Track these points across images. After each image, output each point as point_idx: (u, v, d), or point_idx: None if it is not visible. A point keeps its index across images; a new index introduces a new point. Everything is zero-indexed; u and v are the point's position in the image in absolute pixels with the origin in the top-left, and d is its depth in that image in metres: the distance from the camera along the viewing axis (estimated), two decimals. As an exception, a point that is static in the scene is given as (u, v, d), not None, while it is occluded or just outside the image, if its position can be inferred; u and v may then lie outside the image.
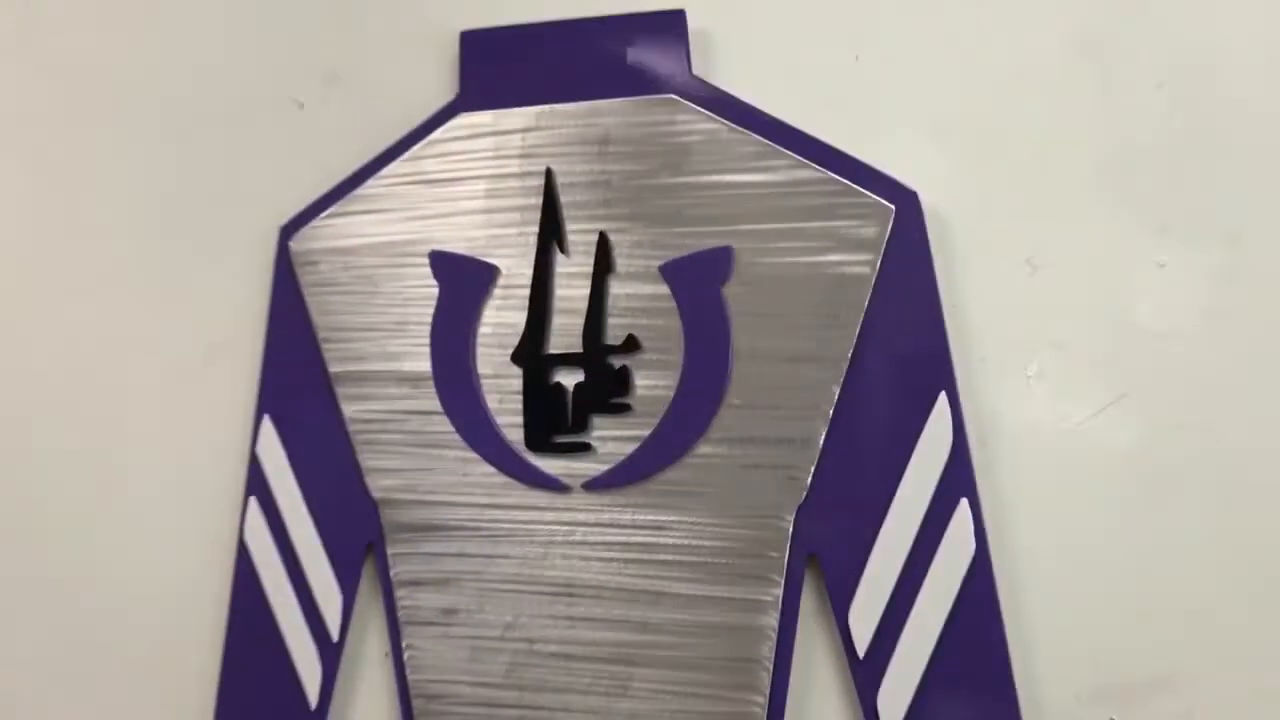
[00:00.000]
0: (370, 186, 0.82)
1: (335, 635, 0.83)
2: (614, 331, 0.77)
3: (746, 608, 0.75)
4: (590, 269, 0.77)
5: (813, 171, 0.73)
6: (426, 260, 0.80)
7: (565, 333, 0.78)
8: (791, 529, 0.74)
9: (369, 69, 0.84)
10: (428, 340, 0.80)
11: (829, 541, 0.74)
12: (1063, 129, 0.71)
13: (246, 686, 0.85)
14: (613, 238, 0.77)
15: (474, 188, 0.80)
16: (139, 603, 0.89)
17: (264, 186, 0.85)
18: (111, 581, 0.89)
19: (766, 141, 0.74)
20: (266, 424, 0.84)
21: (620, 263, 0.77)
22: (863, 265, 0.73)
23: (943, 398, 0.71)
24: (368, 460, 0.82)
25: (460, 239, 0.80)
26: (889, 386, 0.73)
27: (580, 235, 0.78)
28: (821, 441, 0.73)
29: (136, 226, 0.88)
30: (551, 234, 0.78)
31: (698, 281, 0.75)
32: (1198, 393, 0.70)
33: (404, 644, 0.81)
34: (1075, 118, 0.71)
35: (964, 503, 0.71)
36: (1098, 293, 0.71)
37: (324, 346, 0.82)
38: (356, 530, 0.83)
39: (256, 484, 0.84)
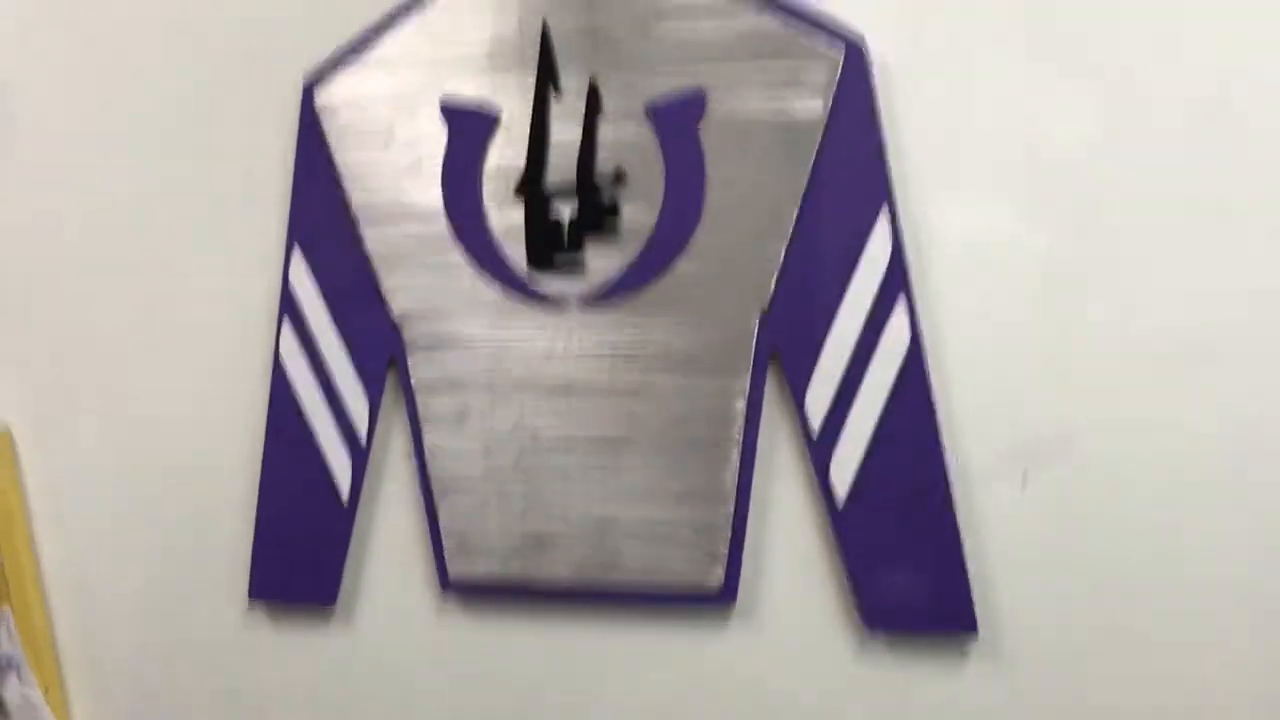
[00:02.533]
0: (384, 43, 0.92)
1: (363, 438, 0.96)
2: (603, 166, 0.89)
3: (718, 396, 0.89)
4: (582, 111, 0.89)
5: (772, 20, 0.85)
6: (436, 107, 0.92)
7: (561, 168, 0.90)
8: (756, 330, 0.87)
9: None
10: (439, 178, 0.92)
11: (788, 339, 0.87)
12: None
13: (284, 487, 0.98)
14: (601, 82, 0.88)
15: (478, 38, 0.90)
16: (187, 410, 1.02)
17: (292, 49, 0.95)
18: (164, 391, 1.02)
19: (735, -4, 0.86)
20: (297, 253, 0.96)
21: (608, 104, 0.88)
22: (816, 103, 0.84)
23: (884, 214, 0.84)
24: (388, 283, 0.94)
25: (466, 87, 0.91)
26: (838, 207, 0.85)
27: (573, 82, 0.89)
28: (781, 256, 0.86)
29: (176, 82, 0.98)
30: (547, 80, 0.89)
31: (677, 122, 0.87)
32: (1096, 207, 0.83)
33: (425, 441, 0.95)
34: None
35: (901, 301, 0.85)
36: (1015, 122, 0.83)
37: (346, 185, 0.94)
38: (380, 345, 0.95)
39: (289, 306, 0.96)
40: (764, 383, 0.88)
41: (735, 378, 0.88)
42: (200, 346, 1.01)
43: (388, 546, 0.99)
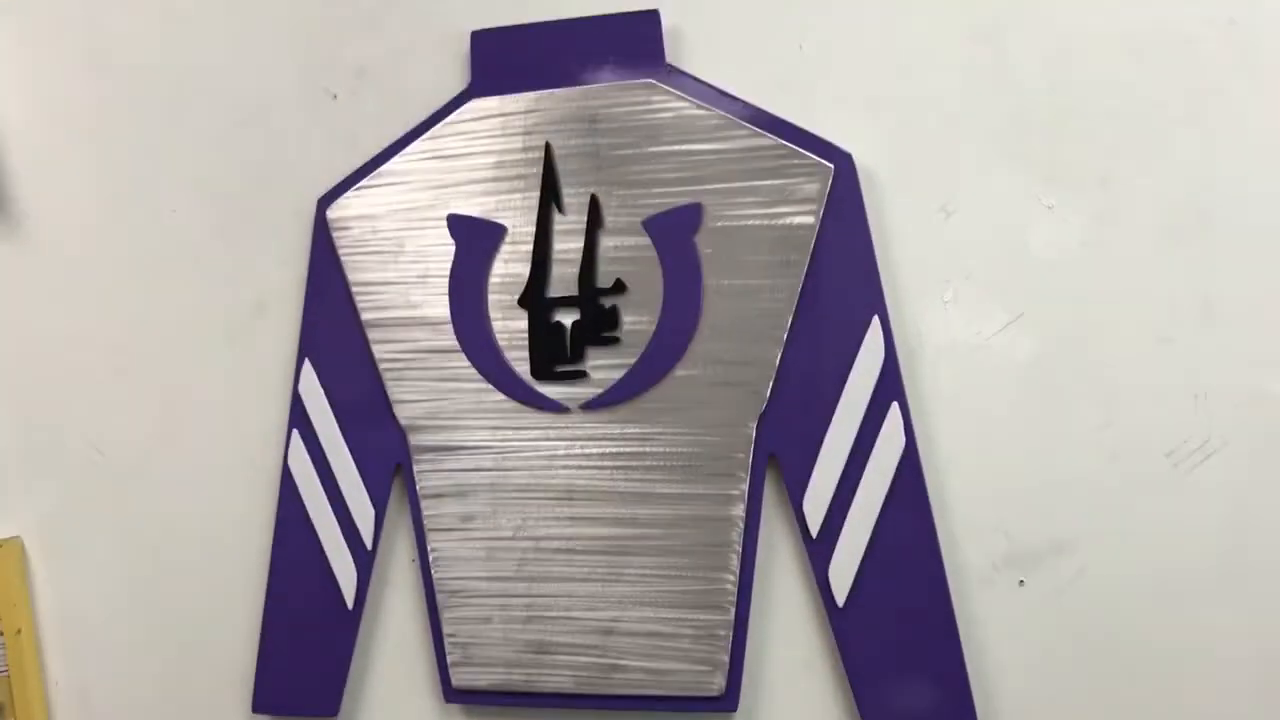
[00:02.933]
0: (395, 162, 0.97)
1: (369, 544, 0.97)
2: (604, 277, 0.92)
3: (718, 501, 0.90)
4: (584, 225, 0.92)
5: (765, 139, 0.89)
6: (444, 223, 0.95)
7: (563, 279, 0.93)
8: (754, 434, 0.89)
9: (393, 64, 0.99)
10: (446, 290, 0.95)
11: (785, 443, 0.89)
12: (968, 101, 0.87)
13: (291, 591, 0.99)
14: (602, 198, 0.92)
15: (484, 161, 0.95)
16: (196, 523, 1.04)
17: (304, 166, 1.00)
18: (173, 504, 1.04)
19: (727, 116, 0.90)
20: (307, 366, 0.98)
21: (608, 219, 0.92)
22: (808, 215, 0.88)
23: (876, 321, 0.87)
24: (396, 393, 0.96)
25: (473, 204, 0.95)
26: (832, 314, 0.88)
27: (575, 197, 0.93)
28: (777, 361, 0.88)
29: (195, 203, 1.03)
30: (550, 197, 0.93)
31: (673, 233, 0.91)
32: (1080, 311, 0.85)
33: (429, 548, 0.96)
34: (978, 92, 0.88)
35: (895, 406, 0.87)
36: (998, 231, 0.87)
37: (357, 299, 0.97)
38: (386, 453, 0.97)
39: (298, 418, 0.99)
40: (762, 486, 0.89)
41: (734, 482, 0.89)
42: (211, 459, 1.03)
43: (391, 655, 0.99)
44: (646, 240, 0.92)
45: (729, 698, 0.90)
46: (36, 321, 1.08)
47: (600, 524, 0.93)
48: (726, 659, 0.89)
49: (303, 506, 0.99)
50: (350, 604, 0.98)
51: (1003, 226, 0.87)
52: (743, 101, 0.90)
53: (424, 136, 0.96)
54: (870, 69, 0.89)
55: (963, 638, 0.86)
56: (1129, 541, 0.85)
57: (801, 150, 0.88)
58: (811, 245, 0.88)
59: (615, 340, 0.92)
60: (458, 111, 0.96)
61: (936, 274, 0.88)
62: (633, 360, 0.92)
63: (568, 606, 0.93)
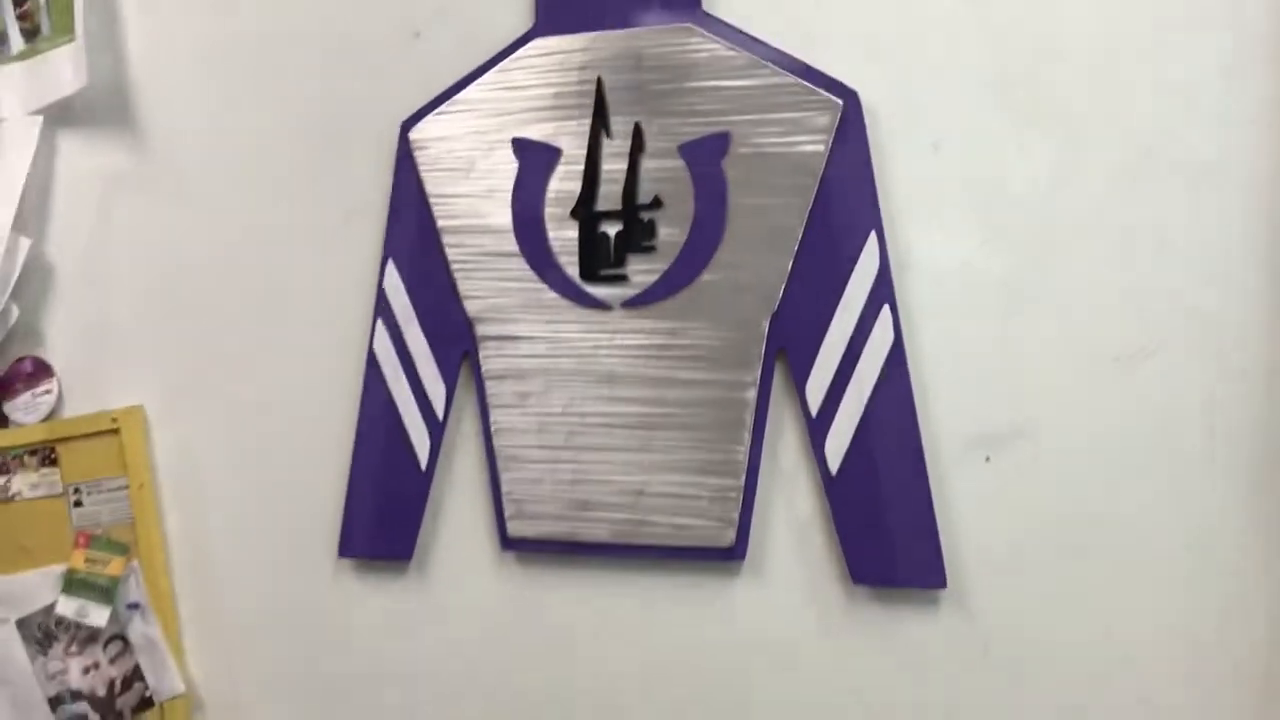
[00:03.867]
0: (469, 91, 1.13)
1: (440, 416, 1.15)
2: (644, 194, 1.08)
3: (734, 387, 1.06)
4: (628, 150, 1.08)
5: (784, 78, 1.04)
6: (509, 145, 1.12)
7: (609, 196, 1.09)
8: (766, 331, 1.05)
9: (468, 5, 1.15)
10: (509, 202, 1.12)
11: (793, 338, 1.05)
12: (959, 48, 1.02)
13: (374, 455, 1.18)
14: (644, 126, 1.08)
15: (545, 92, 1.11)
16: (294, 395, 1.22)
17: (391, 95, 1.17)
18: (274, 380, 1.23)
19: (753, 57, 1.05)
20: (390, 266, 1.16)
21: (649, 145, 1.08)
22: (819, 144, 1.03)
23: (873, 236, 1.03)
24: (465, 289, 1.13)
25: (534, 129, 1.11)
26: (835, 229, 1.04)
27: (621, 125, 1.09)
28: (789, 269, 1.04)
29: (296, 125, 1.21)
30: (601, 124, 1.09)
31: (704, 157, 1.06)
32: (1045, 235, 1.00)
33: (491, 420, 1.13)
34: (968, 40, 1.02)
35: (886, 307, 1.02)
36: (978, 165, 1.02)
37: (434, 208, 1.14)
38: (456, 341, 1.15)
39: (383, 309, 1.16)
40: (772, 375, 1.06)
41: (748, 370, 1.06)
42: (306, 341, 1.22)
43: (457, 510, 1.18)
44: (681, 163, 1.07)
45: (738, 549, 1.07)
46: (159, 222, 1.26)
47: (635, 403, 1.09)
48: (737, 517, 1.07)
49: (385, 384, 1.17)
50: (424, 466, 1.16)
51: (982, 161, 1.02)
52: (766, 44, 1.05)
53: (494, 69, 1.13)
54: (876, 17, 1.04)
55: (936, 505, 1.02)
56: (1079, 428, 1.01)
57: (815, 87, 1.04)
58: (821, 171, 1.04)
59: (652, 249, 1.08)
60: (524, 48, 1.12)
61: (925, 199, 1.03)
62: (666, 266, 1.08)
63: (607, 472, 1.10)
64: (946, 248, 1.03)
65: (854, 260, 1.03)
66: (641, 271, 1.09)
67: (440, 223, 1.14)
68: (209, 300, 1.25)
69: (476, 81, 1.13)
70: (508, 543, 1.14)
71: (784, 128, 1.04)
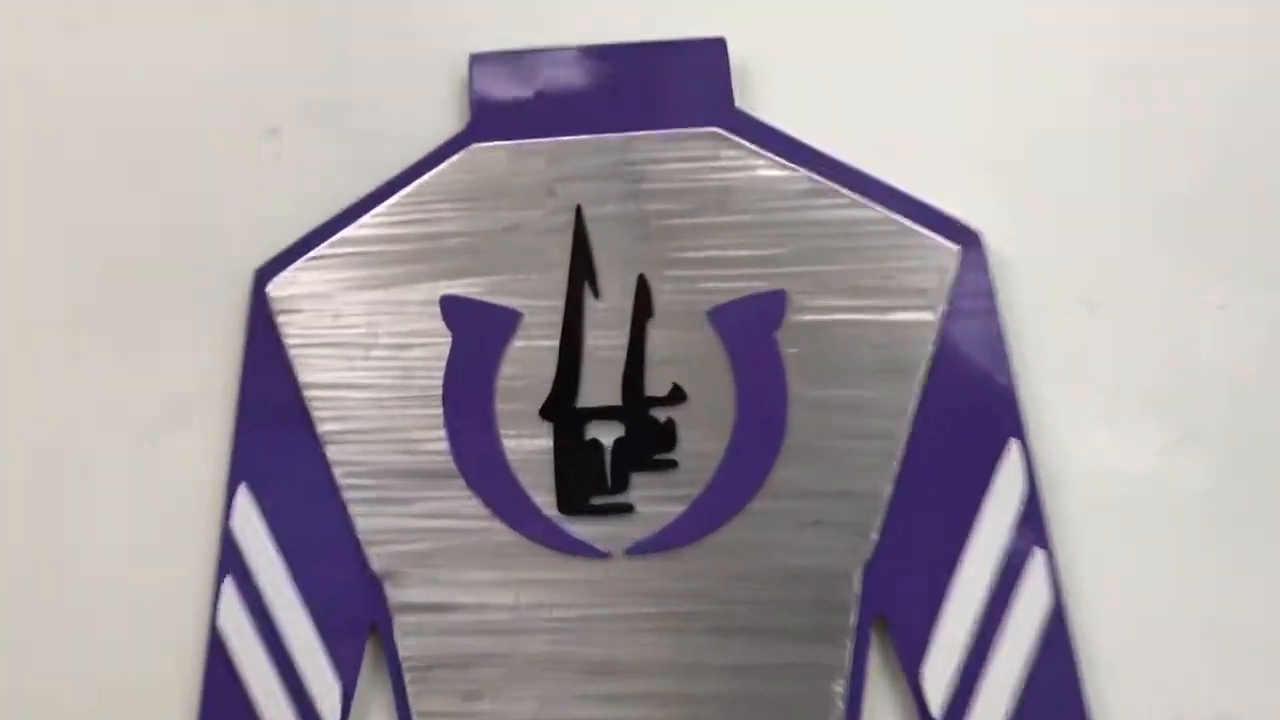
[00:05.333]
0: (365, 225, 0.73)
1: (333, 730, 0.74)
2: (655, 382, 0.71)
3: (810, 675, 0.70)
4: (628, 314, 0.71)
5: (868, 211, 0.70)
6: (435, 307, 0.73)
7: (600, 384, 0.71)
8: (858, 589, 0.70)
9: (356, 95, 0.75)
10: (439, 396, 0.72)
11: (898, 599, 0.70)
12: (1122, 170, 0.71)
13: (221, 797, 0.75)
14: (651, 280, 0.71)
15: (489, 227, 0.72)
16: (87, 697, 0.76)
17: (232, 227, 0.75)
18: (61, 687, 0.76)
19: (816, 178, 0.71)
20: (243, 495, 0.73)
21: (660, 307, 0.71)
22: (926, 310, 0.69)
23: (1014, 446, 0.69)
24: (368, 532, 0.72)
25: (473, 284, 0.72)
26: (957, 436, 0.69)
27: (615, 278, 0.71)
28: (888, 495, 0.70)
29: (85, 273, 0.76)
30: (583, 276, 0.72)
31: (749, 327, 0.70)
32: (1260, 434, 0.70)
33: (417, 739, 0.73)
34: (1128, 156, 0.71)
35: (1039, 553, 0.69)
36: (1158, 333, 0.70)
37: (312, 405, 0.73)
38: (355, 610, 0.73)
39: (231, 562, 0.73)
40: (867, 655, 0.70)
41: (831, 650, 0.70)
42: (109, 622, 0.76)
43: None
44: (712, 335, 0.71)
45: None
46: None
47: (647, 704, 0.70)
48: None
49: (239, 680, 0.73)
50: (308, 812, 0.74)
51: (1162, 327, 0.71)
52: (834, 160, 0.71)
53: (405, 191, 0.73)
54: (1001, 121, 0.72)
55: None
56: None
57: (915, 226, 0.70)
58: (931, 348, 0.70)
59: (671, 464, 0.71)
60: (452, 161, 0.72)
61: (1078, 384, 0.71)
62: (695, 490, 0.71)
63: (605, 816, 0.72)
64: (1114, 456, 0.71)
65: (986, 481, 0.69)
66: (655, 499, 0.71)
67: (323, 426, 0.73)
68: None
69: (378, 209, 0.73)
70: None
71: (872, 284, 0.70)
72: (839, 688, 0.70)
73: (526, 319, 0.72)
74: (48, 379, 0.77)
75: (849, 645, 0.70)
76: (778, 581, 0.70)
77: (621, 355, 0.71)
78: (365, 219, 0.73)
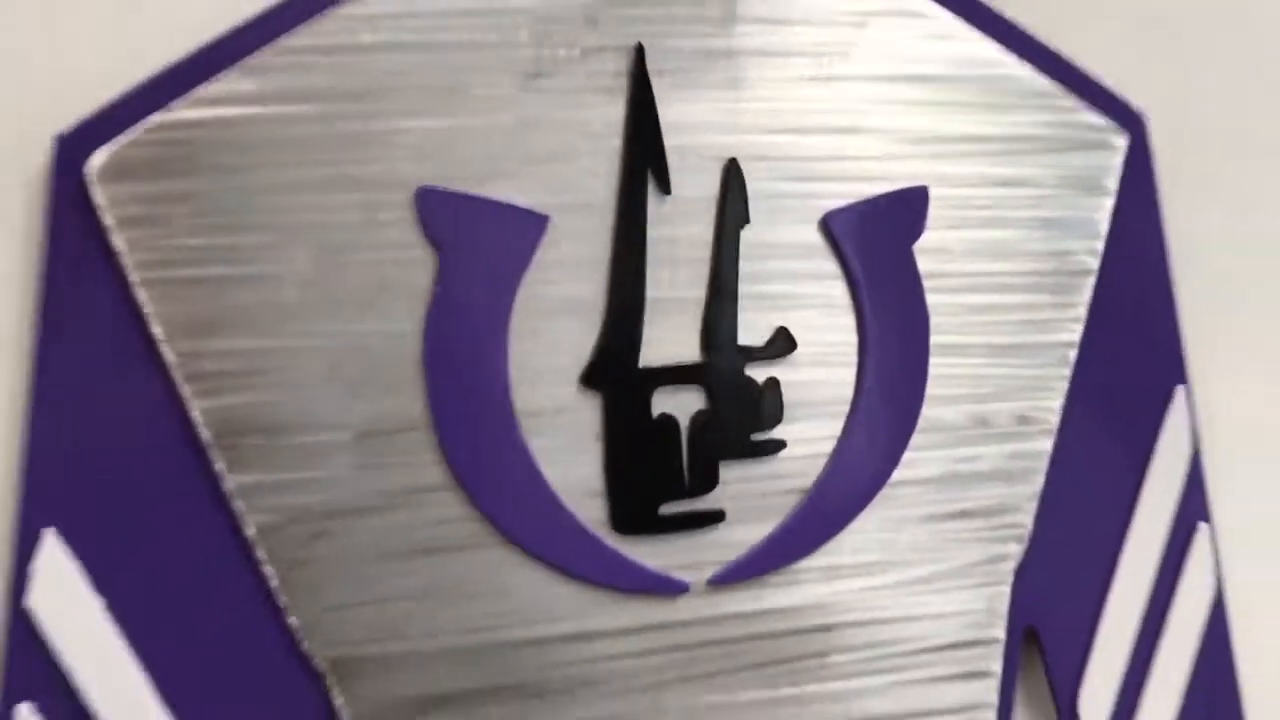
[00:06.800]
0: (268, 62, 0.41)
1: None
2: (750, 322, 0.47)
3: (953, 714, 0.51)
4: (711, 219, 0.46)
5: (1025, 77, 0.50)
6: (403, 203, 0.43)
7: (669, 330, 0.46)
8: (1009, 593, 0.51)
9: None
10: (415, 354, 0.43)
11: (1049, 606, 0.52)
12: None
13: None
14: (746, 167, 0.47)
15: (497, 71, 0.43)
16: None
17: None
18: None
19: (969, 29, 0.49)
20: (51, 547, 0.40)
21: (759, 208, 0.47)
22: (1096, 212, 0.51)
23: (1179, 394, 0.54)
24: (301, 601, 0.42)
25: (468, 163, 0.43)
26: (1120, 385, 0.53)
27: (691, 162, 0.46)
28: (1043, 476, 0.51)
29: None
30: (644, 159, 0.45)
31: (881, 239, 0.48)
32: None
33: None
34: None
35: (1203, 528, 0.54)
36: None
37: (181, 381, 0.41)
38: (276, 724, 0.43)
39: (26, 673, 0.40)
40: (1016, 675, 0.52)
41: (985, 682, 0.50)
42: None
43: None
44: (822, 250, 0.48)
45: None
46: None
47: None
48: None
49: None
50: None
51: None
52: (981, 3, 0.50)
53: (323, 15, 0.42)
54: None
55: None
56: None
57: (1081, 105, 0.51)
58: (1094, 271, 0.52)
59: (776, 447, 0.48)
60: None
61: (1231, 312, 0.57)
62: (803, 485, 0.48)
63: None
64: (1271, 404, 0.58)
65: (1150, 443, 0.54)
66: (752, 500, 0.47)
67: (210, 426, 0.41)
68: None
69: (294, 33, 0.42)
70: None
71: (1039, 181, 0.51)
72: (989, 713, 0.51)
73: (556, 226, 0.45)
74: None
75: (998, 672, 0.51)
76: (910, 591, 0.49)
77: (702, 284, 0.47)
78: (254, 60, 0.41)
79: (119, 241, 0.40)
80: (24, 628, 0.40)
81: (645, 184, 0.45)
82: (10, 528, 0.41)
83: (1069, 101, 0.51)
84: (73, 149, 0.40)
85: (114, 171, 0.40)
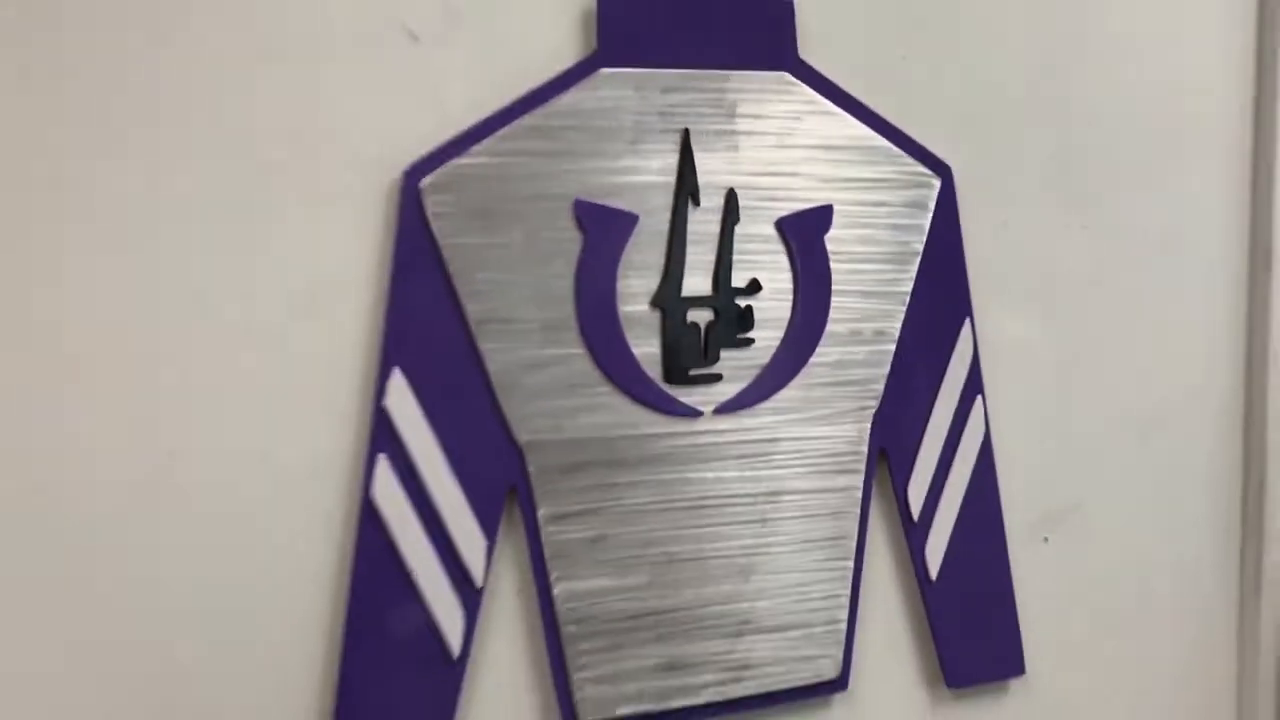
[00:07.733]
0: (511, 133, 0.81)
1: (479, 580, 0.83)
2: (737, 274, 0.88)
3: (841, 495, 0.93)
4: (719, 221, 0.87)
5: (887, 146, 0.92)
6: (568, 208, 0.83)
7: (694, 278, 0.87)
8: (869, 430, 0.94)
9: (491, 6, 0.81)
10: (571, 286, 0.83)
11: (893, 437, 0.95)
12: (1028, 134, 1.00)
13: (378, 648, 0.81)
14: (739, 193, 0.88)
15: (615, 142, 0.84)
16: (247, 571, 0.79)
17: (375, 125, 0.78)
18: (204, 555, 0.78)
19: (854, 120, 0.91)
20: (397, 377, 0.79)
21: (744, 216, 0.88)
22: (922, 223, 0.94)
23: (967, 323, 0.97)
24: (513, 407, 0.82)
25: (600, 188, 0.84)
26: (932, 317, 0.95)
27: (710, 190, 0.87)
28: (890, 362, 0.94)
29: (231, 169, 0.76)
30: (687, 188, 0.86)
31: (806, 233, 0.90)
32: (1088, 312, 1.04)
33: (552, 577, 0.85)
34: (1035, 125, 1.00)
35: (979, 399, 0.98)
36: (1040, 250, 1.01)
37: (461, 294, 0.80)
38: (497, 475, 0.83)
39: (385, 440, 0.79)
40: (873, 478, 0.95)
41: (854, 476, 0.93)
42: (259, 493, 0.78)
43: (500, 708, 0.86)
44: (776, 238, 0.90)
45: (843, 678, 0.95)
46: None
47: (732, 525, 0.90)
48: (843, 643, 0.94)
49: (393, 545, 0.80)
50: (455, 652, 0.82)
51: (1039, 242, 1.02)
52: (860, 103, 0.92)
53: (548, 103, 0.82)
54: (959, 89, 0.97)
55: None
56: (1128, 507, 1.07)
57: (914, 161, 0.93)
58: (921, 253, 0.94)
59: (749, 341, 0.89)
60: (586, 81, 0.83)
61: (995, 281, 1.00)
62: (764, 360, 0.90)
63: (700, 617, 0.89)
64: (1010, 331, 1.01)
65: (949, 350, 0.96)
66: (737, 368, 0.89)
67: (473, 315, 0.81)
68: (126, 419, 0.73)
69: (523, 119, 0.81)
70: (579, 727, 0.88)
71: (890, 203, 0.93)
72: (855, 502, 0.93)
73: (642, 221, 0.85)
74: (211, 263, 0.77)
75: (863, 471, 0.94)
76: (819, 427, 0.92)
77: (712, 254, 0.88)
78: (509, 128, 0.81)
79: (435, 229, 0.80)
80: (383, 419, 0.80)
81: (687, 200, 0.86)
82: (375, 367, 0.80)
83: (907, 158, 0.93)
84: (414, 176, 0.79)
85: (434, 188, 0.79)
